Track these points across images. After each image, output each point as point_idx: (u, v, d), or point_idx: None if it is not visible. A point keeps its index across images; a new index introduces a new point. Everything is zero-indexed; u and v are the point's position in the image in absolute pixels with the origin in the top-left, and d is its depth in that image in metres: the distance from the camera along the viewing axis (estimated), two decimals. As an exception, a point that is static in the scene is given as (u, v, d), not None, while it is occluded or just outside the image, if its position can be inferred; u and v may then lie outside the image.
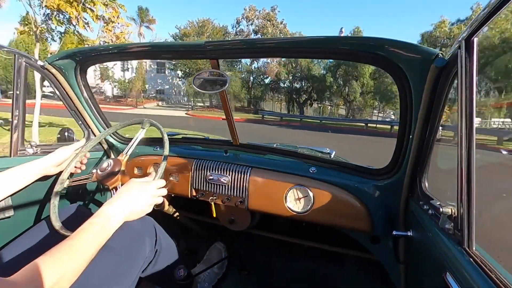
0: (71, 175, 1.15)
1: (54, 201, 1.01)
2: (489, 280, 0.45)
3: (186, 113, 22.79)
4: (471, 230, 0.54)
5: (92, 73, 27.21)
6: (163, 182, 0.95)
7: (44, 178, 1.12)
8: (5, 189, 0.95)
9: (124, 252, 0.95)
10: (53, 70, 1.25)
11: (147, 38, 32.98)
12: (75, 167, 1.17)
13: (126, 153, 1.23)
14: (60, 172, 1.13)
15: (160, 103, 30.93)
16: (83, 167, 1.21)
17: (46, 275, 0.55)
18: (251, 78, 29.40)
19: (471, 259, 0.52)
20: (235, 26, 29.69)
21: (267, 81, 29.33)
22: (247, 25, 28.49)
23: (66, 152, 1.14)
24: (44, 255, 0.59)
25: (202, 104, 30.25)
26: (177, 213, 1.65)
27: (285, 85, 28.86)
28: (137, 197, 0.83)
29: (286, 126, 18.69)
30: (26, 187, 1.02)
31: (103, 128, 1.49)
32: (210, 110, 26.77)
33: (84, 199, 1.51)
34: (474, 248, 0.54)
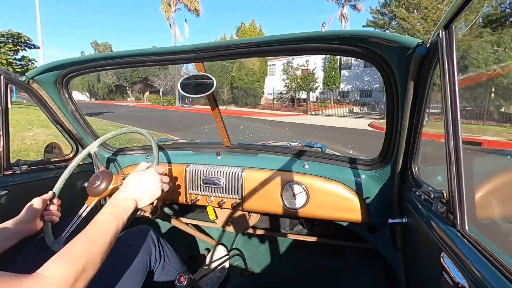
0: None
1: (47, 226, 0.99)
2: (483, 258, 0.47)
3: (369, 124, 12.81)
4: (463, 212, 0.56)
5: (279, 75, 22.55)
6: (163, 168, 0.99)
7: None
8: None
9: (124, 264, 0.94)
10: (35, 85, 1.22)
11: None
12: (53, 215, 1.01)
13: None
14: (49, 187, 1.10)
15: (359, 108, 19.51)
16: (58, 215, 1.04)
17: (64, 271, 0.55)
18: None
19: (464, 239, 0.53)
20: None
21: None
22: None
23: (35, 203, 0.98)
24: (60, 252, 0.60)
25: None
26: (175, 220, 1.63)
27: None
28: (144, 183, 0.87)
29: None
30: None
31: (91, 140, 1.47)
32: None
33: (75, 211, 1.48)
34: (467, 229, 0.55)
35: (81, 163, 1.51)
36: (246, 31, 25.29)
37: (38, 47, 16.84)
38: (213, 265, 1.60)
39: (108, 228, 0.70)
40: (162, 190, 0.93)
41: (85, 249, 0.62)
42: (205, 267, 1.61)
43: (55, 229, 1.02)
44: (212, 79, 1.08)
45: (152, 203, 1.45)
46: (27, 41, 15.80)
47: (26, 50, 16.03)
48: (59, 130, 1.43)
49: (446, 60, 0.58)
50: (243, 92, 24.09)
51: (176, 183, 1.37)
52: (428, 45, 0.70)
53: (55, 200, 1.03)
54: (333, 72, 21.71)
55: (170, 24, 28.66)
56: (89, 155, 1.19)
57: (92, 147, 1.20)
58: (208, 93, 1.07)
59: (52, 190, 1.04)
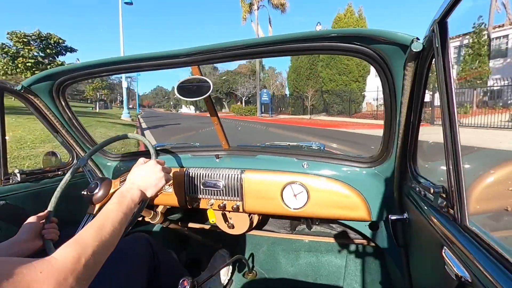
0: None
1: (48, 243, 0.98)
2: (484, 251, 0.47)
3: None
4: (463, 206, 0.56)
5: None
6: (162, 160, 1.00)
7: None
8: None
9: (121, 274, 0.93)
10: (31, 94, 1.21)
11: None
12: (52, 233, 0.98)
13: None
14: (47, 199, 1.09)
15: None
16: (57, 233, 1.02)
17: (75, 253, 0.57)
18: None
19: (465, 233, 0.53)
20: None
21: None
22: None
23: (32, 221, 0.95)
24: (70, 239, 0.61)
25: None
26: (175, 225, 1.63)
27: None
28: (146, 174, 0.89)
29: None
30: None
31: (89, 147, 1.46)
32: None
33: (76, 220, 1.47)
34: (467, 223, 0.55)
35: (79, 170, 1.51)
36: (341, 18, 19.67)
37: (76, 50, 15.55)
38: (215, 268, 1.59)
39: (116, 215, 0.72)
40: (166, 180, 0.94)
41: (95, 235, 0.63)
42: (208, 271, 1.61)
43: (56, 242, 1.02)
44: (208, 83, 1.08)
45: (152, 208, 1.45)
46: (60, 44, 14.34)
47: (64, 54, 14.79)
48: (56, 139, 1.42)
49: (441, 55, 0.58)
50: (335, 96, 18.22)
51: (176, 187, 1.37)
52: (423, 41, 0.70)
53: (52, 218, 1.02)
54: (477, 61, 14.05)
55: (250, 19, 25.64)
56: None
57: (82, 161, 1.19)
58: (204, 96, 1.07)
59: (48, 205, 1.03)
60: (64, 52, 15.36)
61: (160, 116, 31.33)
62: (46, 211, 1.02)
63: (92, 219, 1.03)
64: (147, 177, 0.89)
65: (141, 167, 0.92)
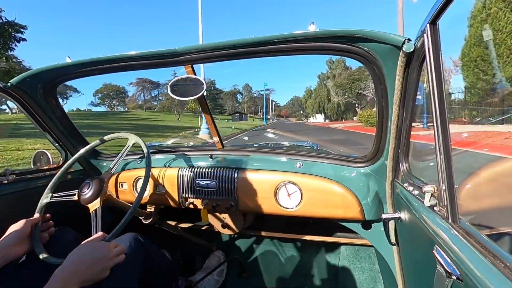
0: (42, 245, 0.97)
1: (35, 232, 0.97)
2: (473, 248, 0.48)
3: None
4: (454, 204, 0.57)
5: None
6: (124, 248, 0.89)
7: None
8: None
9: (112, 273, 0.91)
10: (20, 92, 1.19)
11: None
12: (43, 230, 0.99)
13: (111, 170, 1.18)
14: (38, 200, 1.07)
15: None
16: (50, 231, 1.02)
17: None
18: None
19: (456, 231, 0.54)
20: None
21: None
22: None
23: (20, 226, 0.93)
24: None
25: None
26: (170, 225, 1.62)
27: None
28: (91, 263, 0.76)
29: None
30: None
31: (81, 146, 1.44)
32: None
33: (68, 220, 1.45)
34: (458, 221, 0.56)
35: (71, 170, 1.48)
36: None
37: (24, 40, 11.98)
38: (210, 268, 1.59)
39: None
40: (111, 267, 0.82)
41: None
42: (202, 271, 1.60)
43: (53, 240, 1.01)
44: (202, 82, 1.07)
45: (145, 208, 1.43)
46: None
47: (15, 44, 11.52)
48: (47, 138, 1.39)
49: (432, 56, 0.59)
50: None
51: (169, 187, 1.36)
52: (415, 41, 0.71)
53: (45, 216, 1.02)
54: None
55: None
56: (79, 161, 1.17)
57: (73, 162, 1.18)
58: (197, 95, 1.07)
59: (37, 208, 1.03)
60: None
61: (278, 128, 26.98)
62: (35, 216, 1.01)
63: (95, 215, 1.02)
64: (90, 269, 0.75)
65: (91, 251, 0.78)
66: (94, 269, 0.76)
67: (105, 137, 1.25)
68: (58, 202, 1.13)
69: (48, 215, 1.05)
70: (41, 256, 0.91)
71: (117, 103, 78.76)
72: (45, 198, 1.08)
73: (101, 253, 0.79)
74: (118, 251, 0.85)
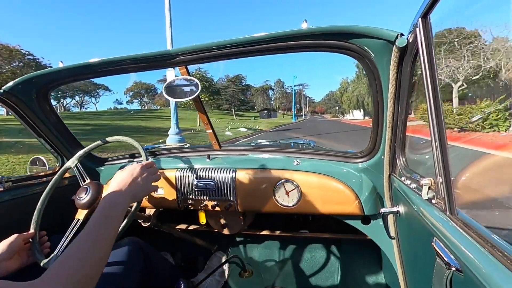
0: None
1: (34, 245, 0.96)
2: (472, 240, 0.48)
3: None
4: (451, 197, 0.57)
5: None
6: (151, 162, 0.96)
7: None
8: None
9: (110, 278, 0.90)
10: (13, 99, 1.18)
11: None
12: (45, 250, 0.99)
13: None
14: (34, 207, 1.06)
15: None
16: (46, 245, 1.03)
17: (68, 276, 0.53)
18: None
19: (454, 223, 0.55)
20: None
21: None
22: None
23: (11, 241, 0.91)
24: (62, 256, 0.58)
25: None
26: (169, 227, 1.61)
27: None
28: (135, 179, 0.84)
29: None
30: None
31: (76, 151, 1.43)
32: None
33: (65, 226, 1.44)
34: (456, 213, 0.57)
35: (68, 175, 1.47)
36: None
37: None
38: (211, 269, 1.59)
39: (107, 224, 0.67)
40: (154, 180, 0.91)
41: (88, 247, 0.60)
42: (204, 272, 1.60)
43: (52, 248, 1.01)
44: (196, 83, 1.07)
45: (144, 211, 1.43)
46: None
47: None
48: (42, 144, 1.38)
49: (424, 49, 0.59)
50: None
51: (167, 189, 1.36)
52: (407, 36, 0.71)
53: (41, 233, 1.02)
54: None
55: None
56: (75, 166, 1.16)
57: (71, 163, 1.17)
58: (193, 96, 1.06)
59: (32, 223, 1.01)
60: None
61: (302, 130, 22.43)
62: (30, 231, 1.00)
63: (80, 225, 1.02)
64: (132, 181, 0.84)
65: (125, 171, 0.87)
66: (137, 184, 0.84)
67: (100, 141, 1.24)
68: (56, 207, 1.12)
69: (44, 232, 1.04)
70: (42, 264, 0.90)
71: (148, 100, 78.15)
72: (39, 212, 1.05)
73: (136, 171, 0.87)
74: (152, 170, 0.92)
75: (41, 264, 0.91)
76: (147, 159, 1.07)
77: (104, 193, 0.78)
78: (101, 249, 0.63)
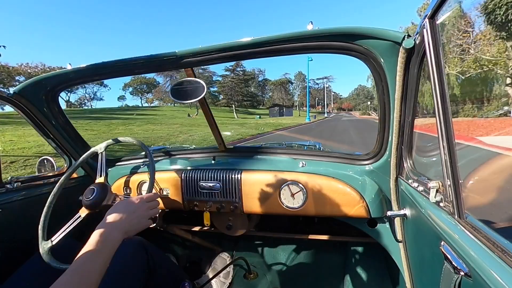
0: None
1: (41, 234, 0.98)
2: (481, 244, 0.47)
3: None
4: (460, 200, 0.56)
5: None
6: (155, 195, 0.95)
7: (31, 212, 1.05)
8: None
9: (115, 278, 0.91)
10: (23, 100, 1.20)
11: None
12: None
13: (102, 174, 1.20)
14: (44, 203, 1.08)
15: None
16: None
17: None
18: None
19: (462, 227, 0.54)
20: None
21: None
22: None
23: None
24: None
25: None
26: (174, 228, 1.62)
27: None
28: (130, 214, 0.82)
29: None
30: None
31: (84, 151, 1.45)
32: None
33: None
34: (465, 216, 0.56)
35: (75, 175, 1.49)
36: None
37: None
38: (216, 270, 1.59)
39: (98, 259, 0.66)
40: (152, 218, 0.89)
41: (78, 281, 0.60)
42: (208, 273, 1.60)
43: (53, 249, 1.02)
44: (202, 84, 1.07)
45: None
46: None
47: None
48: (51, 145, 1.40)
49: (432, 51, 0.58)
50: None
51: (173, 190, 1.36)
52: (414, 37, 0.71)
53: None
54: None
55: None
56: (82, 166, 1.18)
57: (99, 148, 1.19)
58: (199, 98, 1.07)
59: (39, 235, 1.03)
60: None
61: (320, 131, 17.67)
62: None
63: (80, 222, 1.04)
64: (127, 216, 0.81)
65: (123, 203, 0.85)
66: (132, 220, 0.82)
67: (106, 142, 1.26)
68: (63, 207, 1.14)
69: None
70: (45, 258, 0.93)
71: (151, 96, 73.09)
72: (46, 244, 1.02)
73: (134, 205, 0.85)
74: (153, 204, 0.91)
75: (47, 261, 0.93)
76: (151, 191, 1.06)
77: (99, 225, 0.76)
78: (89, 285, 0.62)
